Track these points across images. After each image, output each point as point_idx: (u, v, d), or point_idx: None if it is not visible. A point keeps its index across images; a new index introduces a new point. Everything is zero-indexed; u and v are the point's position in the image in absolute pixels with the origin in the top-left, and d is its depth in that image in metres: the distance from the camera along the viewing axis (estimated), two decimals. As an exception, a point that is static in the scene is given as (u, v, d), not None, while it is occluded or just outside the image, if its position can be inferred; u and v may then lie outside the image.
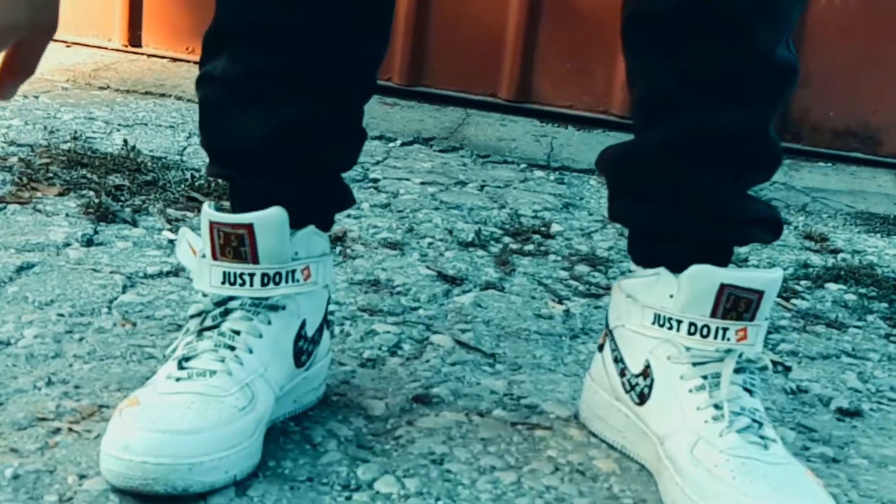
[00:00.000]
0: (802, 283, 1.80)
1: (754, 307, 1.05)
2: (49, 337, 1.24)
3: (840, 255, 1.99)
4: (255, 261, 1.04)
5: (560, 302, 1.57)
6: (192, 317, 1.06)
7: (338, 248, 1.68)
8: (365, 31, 1.07)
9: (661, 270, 1.09)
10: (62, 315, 1.31)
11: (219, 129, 1.00)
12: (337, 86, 1.07)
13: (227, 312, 1.05)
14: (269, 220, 1.03)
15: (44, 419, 1.05)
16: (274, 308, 1.06)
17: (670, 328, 1.07)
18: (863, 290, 1.78)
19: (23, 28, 0.94)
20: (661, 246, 1.11)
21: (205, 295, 1.06)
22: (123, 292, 1.41)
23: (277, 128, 1.06)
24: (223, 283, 1.05)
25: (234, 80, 1.04)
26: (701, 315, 1.05)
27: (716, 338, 1.05)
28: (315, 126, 1.07)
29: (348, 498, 0.97)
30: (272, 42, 1.04)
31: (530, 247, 1.82)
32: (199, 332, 1.04)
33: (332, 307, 1.41)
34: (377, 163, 2.28)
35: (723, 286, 1.04)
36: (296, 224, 1.06)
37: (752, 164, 1.11)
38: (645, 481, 1.06)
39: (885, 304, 1.72)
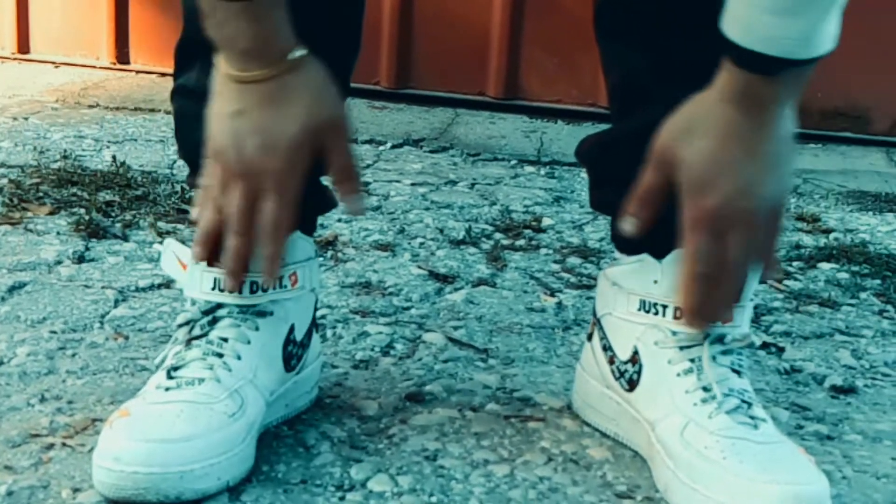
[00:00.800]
0: (795, 264, 1.80)
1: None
2: (42, 354, 1.25)
3: (832, 235, 1.99)
4: (243, 268, 1.04)
5: (552, 295, 1.58)
6: (180, 326, 1.06)
7: (329, 253, 1.69)
8: (334, 32, 1.07)
9: (645, 257, 1.09)
10: (55, 332, 1.31)
11: (196, 139, 1.00)
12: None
13: (215, 321, 1.05)
14: (251, 227, 1.03)
15: (37, 435, 1.05)
16: (262, 314, 1.06)
17: (656, 313, 1.07)
18: (855, 268, 1.78)
19: (301, 136, 0.93)
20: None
21: (193, 304, 1.07)
22: (115, 306, 1.41)
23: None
24: (213, 288, 1.05)
25: (208, 91, 1.05)
26: (686, 299, 1.06)
27: (702, 320, 1.05)
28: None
29: (342, 498, 0.98)
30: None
31: (522, 241, 1.82)
32: (188, 342, 1.04)
33: (323, 311, 1.42)
34: (367, 166, 2.28)
35: (706, 269, 1.04)
36: (279, 230, 1.06)
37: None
38: (639, 467, 1.07)
39: (878, 281, 1.72)
